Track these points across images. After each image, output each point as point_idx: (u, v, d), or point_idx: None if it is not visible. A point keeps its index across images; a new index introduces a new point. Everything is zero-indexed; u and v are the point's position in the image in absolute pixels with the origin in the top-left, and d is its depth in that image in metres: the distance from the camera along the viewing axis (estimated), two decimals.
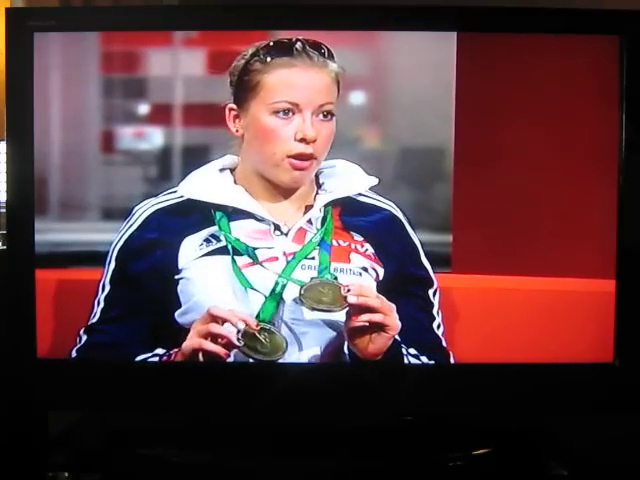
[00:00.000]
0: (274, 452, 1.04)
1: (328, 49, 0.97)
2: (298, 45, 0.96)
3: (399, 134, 1.06)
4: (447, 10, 1.02)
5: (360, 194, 1.02)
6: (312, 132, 0.96)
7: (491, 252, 1.04)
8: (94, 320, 1.00)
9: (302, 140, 0.96)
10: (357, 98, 1.05)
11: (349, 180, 1.02)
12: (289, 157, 0.97)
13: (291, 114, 0.96)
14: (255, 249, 0.99)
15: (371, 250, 1.01)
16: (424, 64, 1.05)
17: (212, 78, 1.03)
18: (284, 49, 0.96)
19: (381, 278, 1.01)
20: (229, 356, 0.97)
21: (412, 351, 1.02)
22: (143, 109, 1.05)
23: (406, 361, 1.02)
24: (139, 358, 1.01)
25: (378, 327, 0.96)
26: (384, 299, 0.98)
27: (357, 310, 0.96)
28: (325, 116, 0.97)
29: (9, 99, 1.01)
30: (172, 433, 1.10)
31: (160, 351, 1.00)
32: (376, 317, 0.96)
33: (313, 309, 0.97)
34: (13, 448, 1.10)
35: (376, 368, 1.00)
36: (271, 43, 0.97)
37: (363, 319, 0.95)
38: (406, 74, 1.05)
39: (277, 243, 0.99)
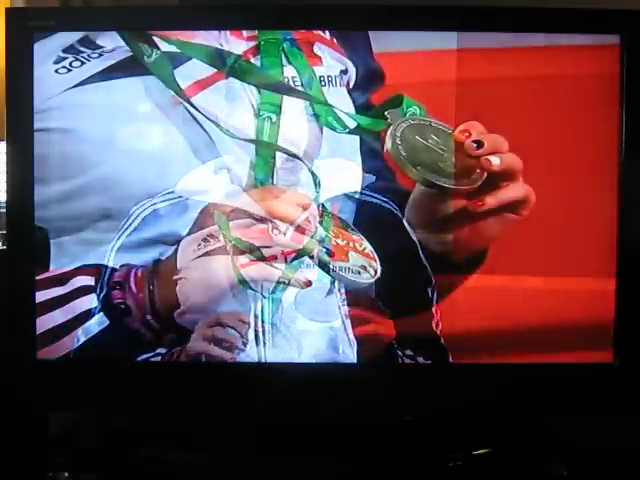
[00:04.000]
0: (273, 452, 1.04)
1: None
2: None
3: None
4: (447, 10, 1.02)
5: (358, 192, 1.02)
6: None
7: (491, 251, 1.03)
8: (91, 321, 1.00)
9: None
10: None
11: (346, 178, 1.02)
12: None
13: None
14: (258, 248, 0.99)
15: (369, 248, 1.01)
16: None
17: None
18: None
19: (379, 276, 1.01)
20: (234, 359, 0.97)
21: (408, 352, 1.02)
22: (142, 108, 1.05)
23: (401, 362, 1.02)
24: (141, 358, 1.01)
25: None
26: None
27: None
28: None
29: (9, 99, 1.01)
30: (172, 433, 1.10)
31: (162, 350, 1.01)
32: None
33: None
34: (13, 448, 1.10)
35: (376, 368, 1.00)
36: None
37: None
38: None
39: (275, 242, 0.99)
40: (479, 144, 0.91)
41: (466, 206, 0.93)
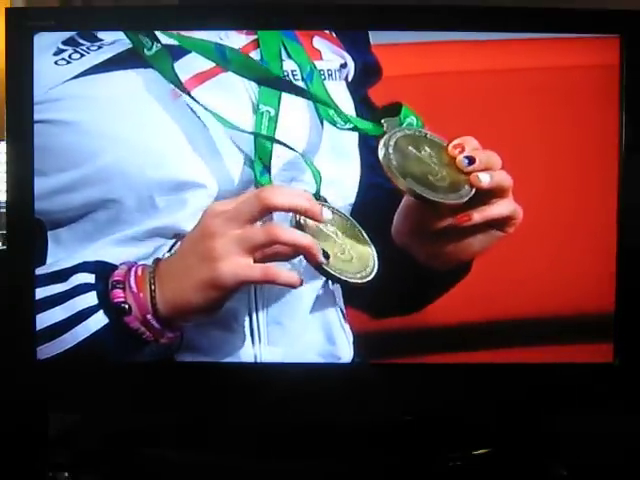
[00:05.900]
0: (274, 452, 1.04)
1: None
2: None
3: None
4: (446, 10, 1.02)
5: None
6: None
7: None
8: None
9: None
10: None
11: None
12: None
13: None
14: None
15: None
16: None
17: None
18: None
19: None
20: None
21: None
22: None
23: None
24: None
25: None
26: None
27: None
28: None
29: (9, 99, 1.01)
30: (172, 433, 1.10)
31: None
32: None
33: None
34: (13, 448, 1.10)
35: (376, 367, 1.00)
36: None
37: None
38: None
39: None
40: (470, 160, 0.91)
41: (452, 219, 0.92)
